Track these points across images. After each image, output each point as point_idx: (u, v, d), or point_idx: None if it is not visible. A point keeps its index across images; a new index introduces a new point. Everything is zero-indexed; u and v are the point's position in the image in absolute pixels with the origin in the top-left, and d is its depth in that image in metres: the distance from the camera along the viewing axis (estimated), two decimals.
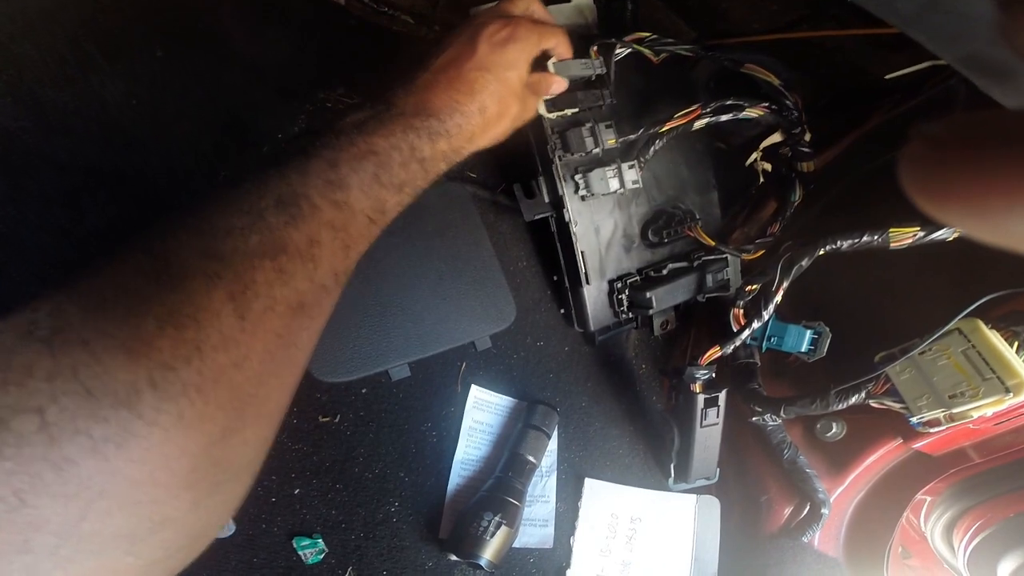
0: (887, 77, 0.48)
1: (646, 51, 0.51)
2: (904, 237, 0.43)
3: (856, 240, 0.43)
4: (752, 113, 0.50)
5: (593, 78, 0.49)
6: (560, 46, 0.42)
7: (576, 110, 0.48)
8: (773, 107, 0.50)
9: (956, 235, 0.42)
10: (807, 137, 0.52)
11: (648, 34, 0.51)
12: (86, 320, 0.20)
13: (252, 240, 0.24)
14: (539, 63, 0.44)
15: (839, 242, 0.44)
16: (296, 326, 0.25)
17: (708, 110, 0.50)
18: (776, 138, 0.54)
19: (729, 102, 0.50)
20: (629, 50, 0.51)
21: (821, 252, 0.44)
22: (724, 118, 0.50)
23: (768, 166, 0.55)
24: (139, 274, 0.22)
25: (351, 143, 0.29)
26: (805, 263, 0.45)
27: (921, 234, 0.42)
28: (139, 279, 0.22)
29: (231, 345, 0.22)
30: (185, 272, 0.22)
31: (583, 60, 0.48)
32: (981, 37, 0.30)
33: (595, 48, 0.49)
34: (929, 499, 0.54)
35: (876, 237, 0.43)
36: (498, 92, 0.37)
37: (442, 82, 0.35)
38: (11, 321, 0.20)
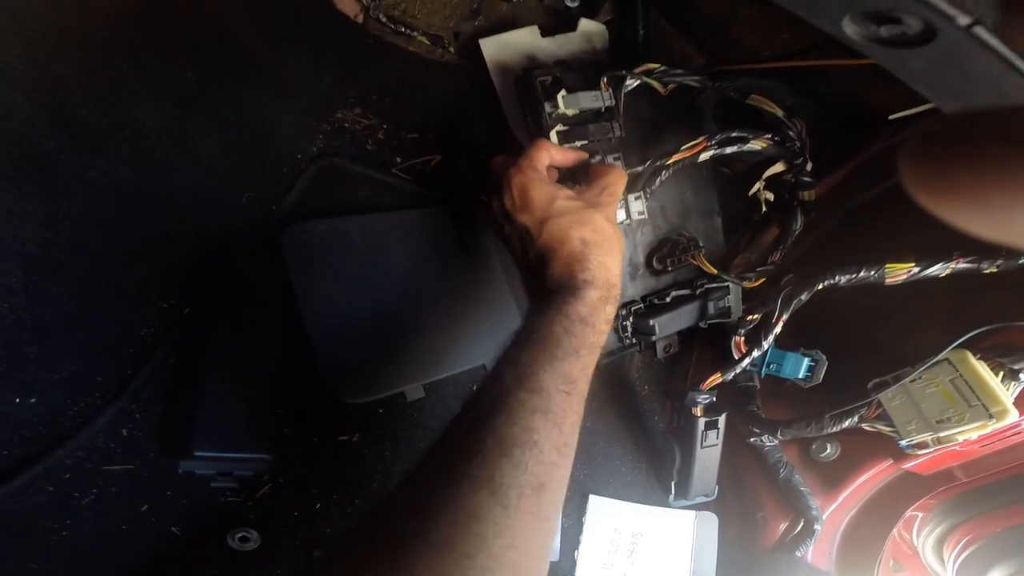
0: (891, 117, 0.49)
1: (654, 83, 0.53)
2: (899, 273, 0.45)
3: (853, 275, 0.46)
4: (756, 146, 0.52)
5: (603, 109, 0.51)
6: (541, 152, 0.44)
7: (586, 142, 0.50)
8: (776, 138, 0.52)
9: (949, 271, 0.45)
10: (809, 167, 0.53)
11: (657, 65, 0.53)
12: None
13: (488, 443, 0.30)
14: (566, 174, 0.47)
15: (837, 277, 0.46)
16: (542, 502, 0.30)
17: (714, 142, 0.51)
18: (779, 168, 0.56)
19: (734, 134, 0.52)
20: (638, 81, 0.52)
21: (820, 287, 0.46)
22: (729, 150, 0.52)
23: (771, 196, 0.57)
24: (432, 494, 0.29)
25: (521, 340, 0.35)
26: (804, 297, 0.47)
27: (916, 270, 0.45)
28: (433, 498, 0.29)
29: (504, 532, 0.28)
30: (458, 482, 0.29)
31: (592, 92, 0.50)
32: (986, 95, 0.31)
33: (605, 80, 0.51)
34: (920, 515, 0.57)
35: (872, 272, 0.45)
36: (574, 219, 0.40)
37: (541, 258, 0.39)
38: None
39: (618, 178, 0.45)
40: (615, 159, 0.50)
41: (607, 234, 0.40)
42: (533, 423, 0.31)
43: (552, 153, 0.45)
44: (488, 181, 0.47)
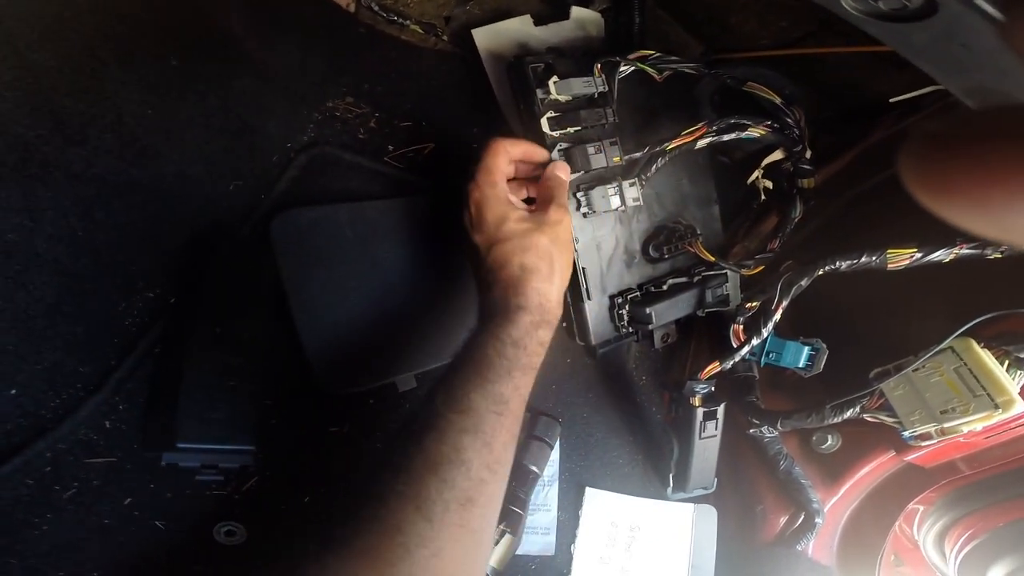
0: (891, 100, 0.49)
1: (649, 69, 0.52)
2: (902, 258, 0.44)
3: (855, 261, 0.44)
4: (754, 133, 0.51)
5: (596, 96, 0.50)
6: (497, 157, 0.43)
7: (579, 128, 0.49)
8: (775, 125, 0.51)
9: (952, 257, 0.44)
10: (808, 155, 0.52)
11: (652, 52, 0.52)
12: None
13: (417, 460, 0.32)
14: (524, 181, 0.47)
15: (838, 263, 0.45)
16: (470, 515, 0.32)
17: (713, 128, 0.51)
18: (777, 156, 0.55)
19: (733, 121, 0.51)
20: (632, 68, 0.51)
21: (820, 273, 0.45)
22: (727, 137, 0.51)
23: (769, 184, 0.56)
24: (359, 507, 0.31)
25: (455, 362, 0.36)
26: (804, 283, 0.46)
27: (919, 255, 0.43)
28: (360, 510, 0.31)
29: (426, 544, 0.30)
30: (384, 497, 0.31)
31: (585, 78, 0.49)
32: (988, 69, 0.31)
33: (598, 66, 0.50)
34: (922, 509, 0.56)
35: (874, 258, 0.44)
36: (516, 244, 0.40)
37: (486, 280, 0.40)
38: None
39: (561, 188, 0.45)
40: (611, 144, 0.49)
41: (550, 259, 0.41)
42: (462, 442, 0.33)
43: (509, 150, 0.44)
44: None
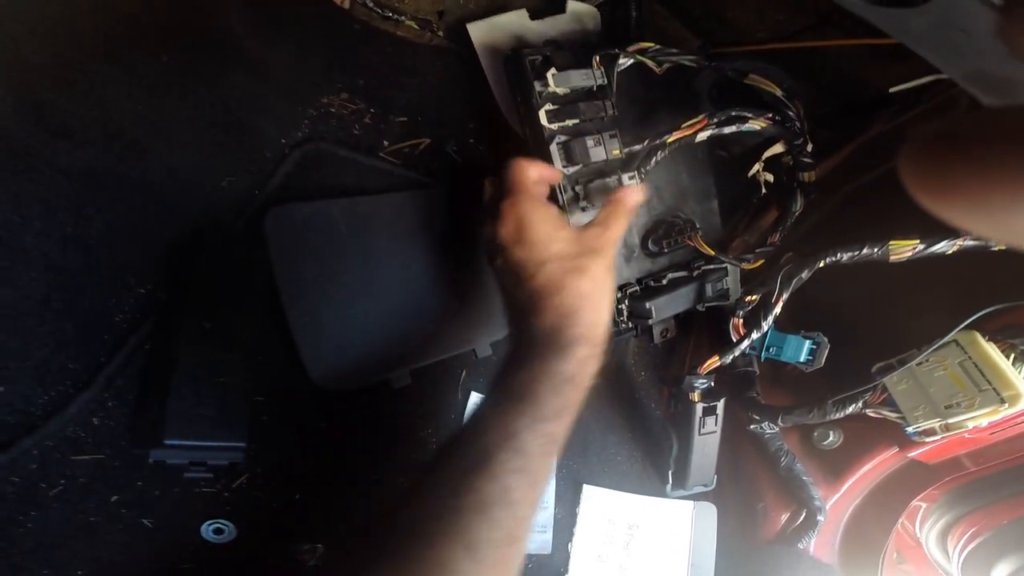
0: (892, 90, 0.48)
1: (649, 62, 0.51)
2: (904, 250, 0.43)
3: (856, 252, 0.44)
4: (755, 125, 0.51)
5: (594, 88, 0.50)
6: (530, 170, 0.43)
7: (577, 121, 0.48)
8: (776, 118, 0.51)
9: (956, 248, 0.43)
10: (809, 148, 0.52)
11: (651, 44, 0.51)
12: None
13: (467, 501, 0.31)
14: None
15: (839, 254, 0.44)
16: (512, 553, 0.32)
17: (714, 121, 0.50)
18: (778, 149, 0.54)
19: (733, 113, 0.50)
20: (631, 61, 0.51)
21: (821, 265, 0.45)
22: (727, 130, 0.51)
23: (770, 177, 0.55)
24: (405, 546, 0.31)
25: (506, 393, 0.35)
26: (805, 275, 0.45)
27: (921, 247, 0.43)
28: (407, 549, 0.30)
29: None
30: (432, 538, 0.30)
31: (584, 71, 0.49)
32: (988, 54, 0.30)
33: (597, 58, 0.49)
34: (925, 506, 0.55)
35: (876, 250, 0.44)
36: (571, 267, 0.38)
37: (531, 302, 0.38)
38: None
39: (622, 217, 0.42)
40: (611, 137, 0.49)
41: (603, 287, 0.39)
42: (511, 483, 0.32)
43: (530, 170, 0.43)
44: (482, 203, 0.45)
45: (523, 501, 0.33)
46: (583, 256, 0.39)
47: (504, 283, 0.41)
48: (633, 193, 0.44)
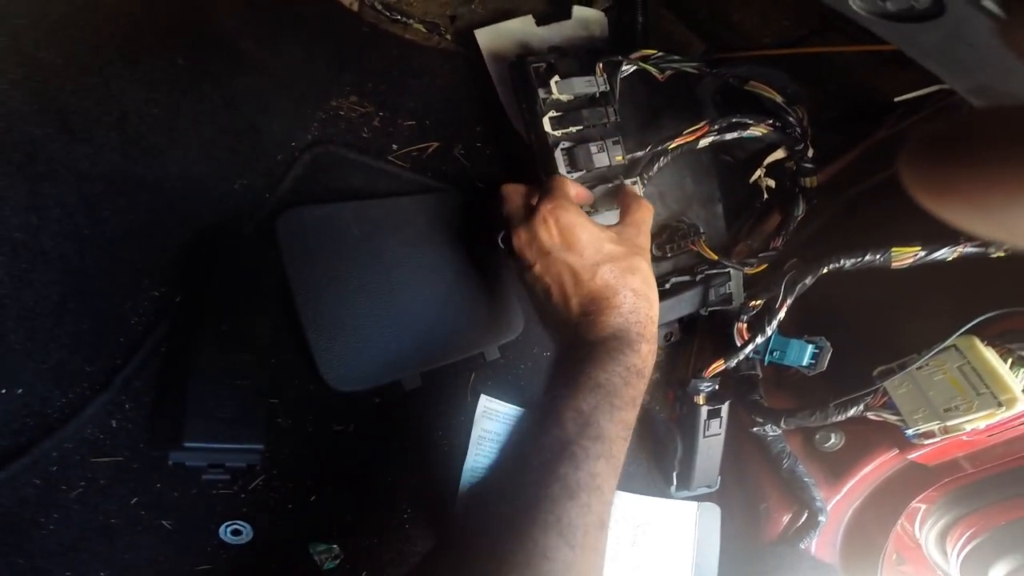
0: (896, 100, 0.49)
1: (651, 69, 0.52)
2: (906, 256, 0.44)
3: (859, 259, 0.45)
4: (756, 132, 0.51)
5: (597, 95, 0.50)
6: (567, 186, 0.44)
7: (581, 127, 0.49)
8: (777, 124, 0.52)
9: (956, 255, 0.44)
10: (810, 153, 0.53)
11: (654, 51, 0.52)
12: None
13: (555, 488, 0.32)
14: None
15: (842, 261, 0.45)
16: (602, 537, 0.34)
17: (716, 127, 0.51)
18: (779, 154, 0.55)
19: (735, 120, 0.51)
20: (634, 67, 0.51)
21: (824, 271, 0.46)
22: (729, 136, 0.51)
23: (772, 182, 0.56)
24: (502, 537, 0.32)
25: (579, 386, 0.36)
26: (808, 281, 0.46)
27: (922, 254, 0.44)
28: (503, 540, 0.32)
29: (571, 569, 0.31)
30: (530, 528, 0.31)
31: (587, 78, 0.49)
32: (994, 69, 0.31)
33: (600, 65, 0.50)
34: (924, 507, 0.56)
35: (878, 256, 0.44)
36: (625, 266, 0.40)
37: (593, 301, 0.40)
38: None
39: (648, 214, 0.45)
40: (614, 143, 0.49)
41: (652, 284, 0.42)
42: (597, 468, 0.34)
43: (578, 190, 0.45)
44: (500, 210, 0.46)
45: (608, 486, 0.34)
46: (632, 256, 0.41)
47: (547, 288, 0.42)
48: (637, 188, 0.47)
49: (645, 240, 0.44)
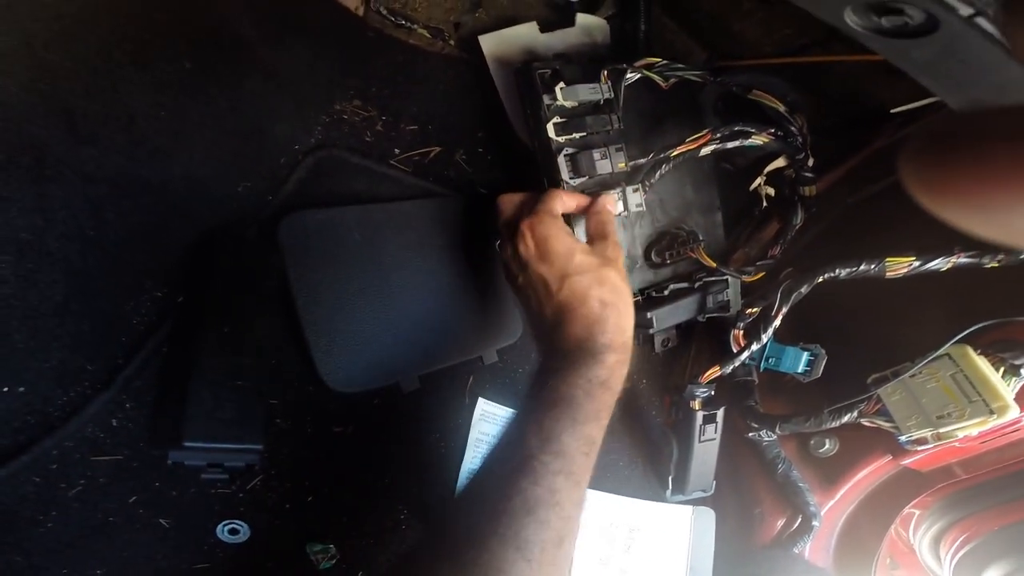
0: (893, 111, 0.49)
1: (655, 77, 0.52)
2: (900, 266, 0.45)
3: (854, 268, 0.45)
4: (758, 140, 0.52)
5: (601, 102, 0.51)
6: (555, 200, 0.45)
7: (584, 134, 0.50)
8: (778, 133, 0.52)
9: (950, 265, 0.44)
10: (810, 162, 0.53)
11: (658, 59, 0.53)
12: None
13: (515, 503, 0.32)
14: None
15: (837, 270, 0.46)
16: (561, 554, 0.33)
17: (717, 136, 0.51)
18: (780, 163, 0.56)
19: (736, 128, 0.52)
20: (639, 75, 0.52)
21: (820, 280, 0.46)
22: (731, 145, 0.52)
23: (772, 191, 0.56)
24: (459, 551, 0.32)
25: (542, 400, 0.36)
26: (804, 290, 0.47)
27: (916, 264, 0.44)
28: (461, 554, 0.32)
29: None
30: (486, 540, 0.31)
31: (591, 85, 0.50)
32: (987, 85, 0.31)
33: (605, 72, 0.51)
34: (918, 512, 0.57)
35: (873, 266, 0.45)
36: (592, 278, 0.40)
37: (558, 314, 0.40)
38: None
39: (610, 219, 0.46)
40: (617, 150, 0.50)
41: (623, 295, 0.41)
42: (556, 484, 0.33)
43: (565, 201, 0.46)
44: (497, 219, 0.47)
45: (568, 501, 0.34)
46: (602, 268, 0.41)
47: (528, 299, 0.43)
48: (609, 200, 0.47)
49: (618, 253, 0.44)
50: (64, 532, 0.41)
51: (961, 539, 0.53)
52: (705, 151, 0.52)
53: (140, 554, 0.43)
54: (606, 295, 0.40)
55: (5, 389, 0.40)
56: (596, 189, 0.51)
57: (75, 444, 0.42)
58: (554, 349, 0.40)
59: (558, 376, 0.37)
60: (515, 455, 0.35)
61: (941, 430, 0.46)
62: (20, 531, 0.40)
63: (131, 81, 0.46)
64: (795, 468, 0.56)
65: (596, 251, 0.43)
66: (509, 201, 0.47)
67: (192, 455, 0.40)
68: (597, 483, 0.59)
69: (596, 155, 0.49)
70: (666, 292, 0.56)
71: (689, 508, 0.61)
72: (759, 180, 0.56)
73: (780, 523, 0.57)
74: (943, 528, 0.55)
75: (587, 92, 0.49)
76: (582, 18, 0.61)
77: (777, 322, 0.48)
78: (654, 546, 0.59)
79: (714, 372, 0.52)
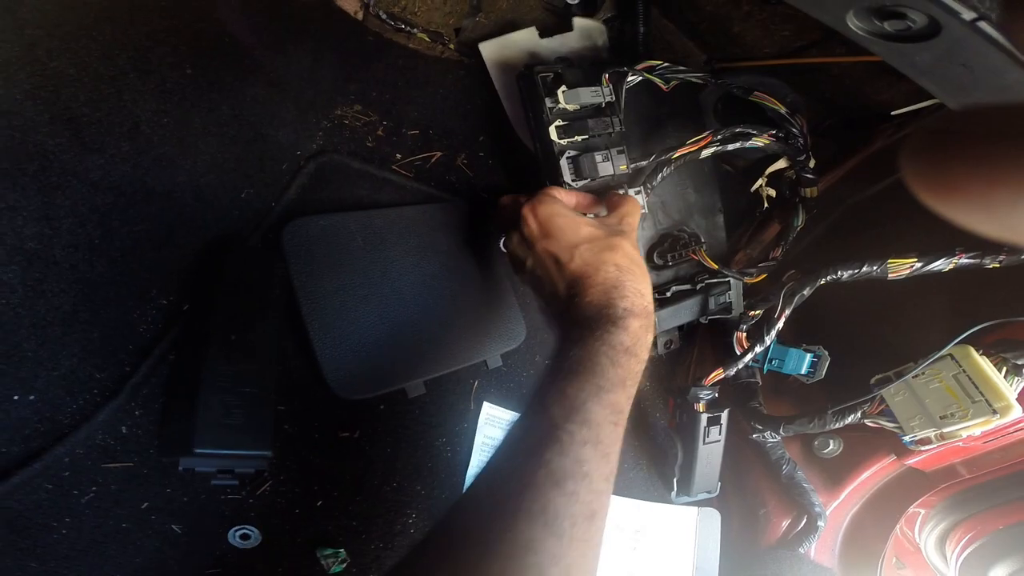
0: (893, 113, 0.49)
1: (656, 79, 0.53)
2: (902, 268, 0.45)
3: (856, 270, 0.45)
4: (759, 142, 0.52)
5: (603, 105, 0.51)
6: (549, 191, 0.45)
7: (586, 136, 0.50)
8: (779, 135, 0.52)
9: (951, 266, 0.45)
10: (811, 164, 0.53)
11: (659, 62, 0.53)
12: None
13: (540, 475, 0.30)
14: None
15: (839, 272, 0.46)
16: (593, 529, 0.31)
17: (718, 138, 0.52)
18: (781, 164, 0.56)
19: (737, 130, 0.52)
20: (640, 78, 0.52)
21: (822, 282, 0.46)
22: (732, 147, 0.52)
23: (772, 192, 0.57)
24: (486, 528, 0.30)
25: (565, 370, 0.34)
26: (807, 292, 0.47)
27: (918, 265, 0.45)
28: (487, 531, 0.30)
29: (558, 562, 0.29)
30: (514, 517, 0.29)
31: (593, 88, 0.50)
32: (988, 88, 0.31)
33: (607, 76, 0.51)
34: (923, 512, 0.57)
35: (875, 268, 0.45)
36: (603, 244, 0.40)
37: (575, 286, 0.39)
38: None
39: (634, 208, 0.45)
40: (619, 153, 0.50)
41: (637, 260, 0.40)
42: (583, 455, 0.31)
43: (562, 197, 0.45)
44: (499, 220, 0.47)
45: (597, 474, 0.31)
46: (611, 236, 0.40)
47: (539, 280, 0.42)
48: (640, 197, 0.48)
49: (629, 226, 0.43)
50: (78, 538, 0.41)
51: (966, 538, 0.53)
52: (706, 153, 0.52)
53: (153, 560, 0.43)
54: (620, 260, 0.39)
55: (16, 397, 0.41)
56: (599, 191, 0.51)
57: (86, 451, 0.42)
58: (573, 322, 0.37)
59: (579, 345, 0.35)
60: (539, 426, 0.32)
61: (944, 430, 0.46)
62: (34, 537, 0.41)
63: (135, 88, 0.46)
64: (800, 469, 0.56)
65: (604, 223, 0.42)
66: (508, 198, 0.47)
67: (203, 461, 0.41)
68: None
69: (598, 157, 0.49)
70: (668, 294, 0.56)
71: (694, 509, 0.61)
72: (760, 181, 0.56)
73: (785, 523, 0.58)
74: (948, 527, 0.55)
75: (589, 95, 0.50)
76: (580, 22, 0.61)
77: (780, 324, 0.49)
78: (660, 547, 0.60)
79: (718, 374, 0.52)
